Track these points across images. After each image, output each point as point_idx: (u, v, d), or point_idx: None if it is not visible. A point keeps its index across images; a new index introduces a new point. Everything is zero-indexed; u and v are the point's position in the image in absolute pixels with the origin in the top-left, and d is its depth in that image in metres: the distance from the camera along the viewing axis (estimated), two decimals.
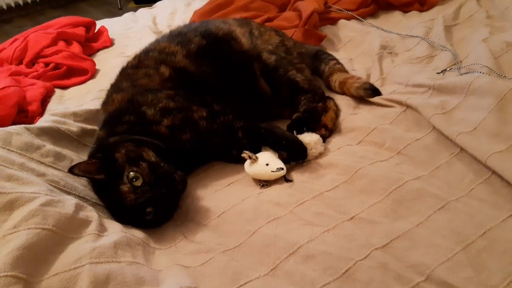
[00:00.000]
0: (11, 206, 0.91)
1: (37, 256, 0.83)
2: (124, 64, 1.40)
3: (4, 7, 4.59)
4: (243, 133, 1.22)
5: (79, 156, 1.26)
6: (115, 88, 1.32)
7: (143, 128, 1.16)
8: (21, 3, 4.69)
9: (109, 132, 1.17)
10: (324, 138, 1.26)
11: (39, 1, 4.80)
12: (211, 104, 1.24)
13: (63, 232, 0.90)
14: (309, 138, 1.20)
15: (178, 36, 1.42)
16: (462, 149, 1.12)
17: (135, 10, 4.34)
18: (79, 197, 1.10)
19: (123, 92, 1.25)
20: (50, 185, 1.05)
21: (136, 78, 1.30)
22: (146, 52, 1.39)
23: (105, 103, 1.30)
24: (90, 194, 1.13)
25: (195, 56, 1.35)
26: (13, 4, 4.64)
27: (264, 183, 1.14)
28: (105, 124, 1.22)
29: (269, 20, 1.92)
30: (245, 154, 1.15)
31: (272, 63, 1.42)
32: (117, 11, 4.76)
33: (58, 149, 1.23)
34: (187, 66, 1.33)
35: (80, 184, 1.16)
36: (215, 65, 1.35)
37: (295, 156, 1.19)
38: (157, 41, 1.45)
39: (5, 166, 1.02)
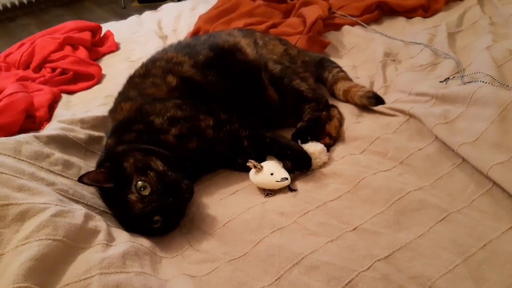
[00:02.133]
0: (22, 217, 0.93)
1: (49, 267, 0.85)
2: (132, 72, 1.42)
3: (8, 5, 4.61)
4: (248, 141, 1.24)
5: (87, 164, 1.29)
6: (123, 96, 1.34)
7: (151, 136, 1.18)
8: (25, 1, 4.72)
9: (118, 141, 1.19)
10: (328, 147, 1.28)
11: None
12: (218, 113, 1.26)
13: (73, 243, 0.92)
14: (314, 148, 1.22)
15: (186, 47, 1.45)
16: (464, 159, 1.13)
17: (138, 9, 4.32)
18: (87, 205, 1.12)
19: (131, 101, 1.28)
20: (60, 194, 1.08)
21: (143, 87, 1.32)
22: (153, 61, 1.41)
23: (113, 111, 1.32)
24: (98, 202, 1.16)
25: (202, 67, 1.37)
26: (17, 2, 4.66)
27: (269, 192, 1.16)
28: (113, 133, 1.24)
29: (274, 26, 1.93)
30: (250, 163, 1.17)
31: (277, 73, 1.43)
32: (121, 10, 4.77)
33: (66, 157, 1.25)
34: (193, 75, 1.35)
35: (88, 192, 1.18)
36: (222, 75, 1.38)
37: (299, 166, 1.20)
38: (164, 51, 1.47)
39: (16, 176, 1.04)
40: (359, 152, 1.27)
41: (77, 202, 1.11)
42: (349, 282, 0.89)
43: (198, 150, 1.21)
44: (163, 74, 1.34)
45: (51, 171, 1.16)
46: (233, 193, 1.20)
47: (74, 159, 1.27)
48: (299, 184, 1.18)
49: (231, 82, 1.37)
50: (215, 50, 1.42)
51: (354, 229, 1.01)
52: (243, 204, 1.13)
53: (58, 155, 1.23)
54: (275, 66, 1.44)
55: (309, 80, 1.48)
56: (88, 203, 1.13)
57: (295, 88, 1.42)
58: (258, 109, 1.38)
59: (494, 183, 1.05)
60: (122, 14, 4.64)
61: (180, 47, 1.46)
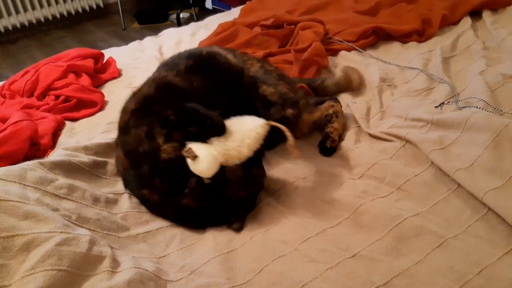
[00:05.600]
0: (28, 247, 0.95)
1: None
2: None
3: (10, 27, 4.68)
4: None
5: (92, 187, 1.31)
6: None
7: None
8: (26, 23, 4.78)
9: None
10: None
11: (44, 21, 4.89)
12: None
13: (78, 271, 0.95)
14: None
15: (165, 66, 1.48)
16: (459, 185, 1.16)
17: (139, 30, 4.35)
18: (90, 230, 1.14)
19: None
20: (64, 219, 1.09)
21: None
22: (141, 87, 1.43)
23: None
24: (102, 225, 1.17)
25: (185, 74, 1.39)
26: (18, 25, 4.72)
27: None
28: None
29: (271, 55, 1.97)
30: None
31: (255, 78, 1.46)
32: (122, 32, 4.84)
33: (70, 181, 1.27)
34: (177, 82, 1.37)
35: (93, 213, 1.19)
36: (207, 79, 1.39)
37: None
38: (147, 78, 1.49)
39: (22, 202, 1.05)
40: (357, 177, 1.30)
41: (81, 226, 1.12)
42: None
43: None
44: None
45: (56, 195, 1.17)
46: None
47: (78, 182, 1.28)
48: (299, 211, 1.20)
49: (217, 84, 1.39)
50: (194, 57, 1.46)
51: (353, 256, 1.03)
52: (246, 234, 1.15)
53: (62, 179, 1.25)
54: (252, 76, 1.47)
55: (279, 86, 1.46)
56: (90, 228, 1.14)
57: (260, 93, 1.42)
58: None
59: (489, 208, 1.07)
60: (122, 35, 4.71)
61: (160, 67, 1.50)
